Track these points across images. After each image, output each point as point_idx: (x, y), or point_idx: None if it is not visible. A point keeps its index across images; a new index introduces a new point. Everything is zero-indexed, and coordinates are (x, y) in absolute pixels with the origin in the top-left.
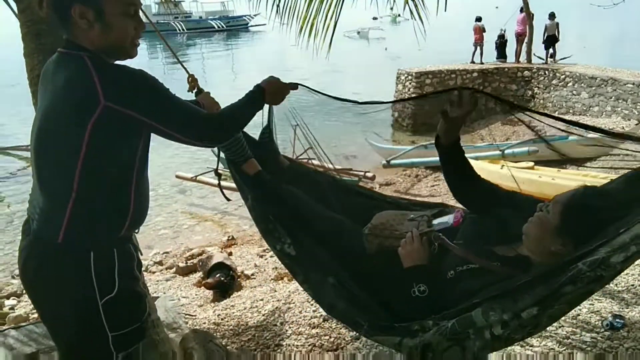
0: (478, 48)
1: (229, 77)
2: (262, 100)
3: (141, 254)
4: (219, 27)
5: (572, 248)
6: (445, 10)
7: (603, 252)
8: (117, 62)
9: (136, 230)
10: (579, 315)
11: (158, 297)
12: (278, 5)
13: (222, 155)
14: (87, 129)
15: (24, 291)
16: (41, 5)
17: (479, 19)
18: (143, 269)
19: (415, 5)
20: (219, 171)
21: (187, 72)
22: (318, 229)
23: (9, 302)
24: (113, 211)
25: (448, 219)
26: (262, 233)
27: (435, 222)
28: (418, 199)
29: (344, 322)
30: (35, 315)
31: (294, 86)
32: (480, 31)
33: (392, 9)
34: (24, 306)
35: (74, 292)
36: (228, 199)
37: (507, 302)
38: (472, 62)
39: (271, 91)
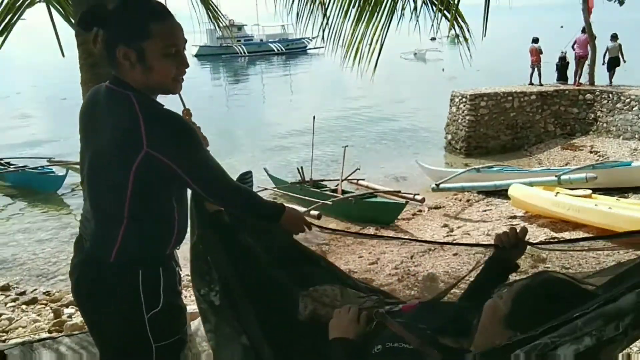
0: (535, 70)
1: (286, 97)
2: (276, 218)
3: (181, 270)
4: (278, 49)
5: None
6: (484, 36)
7: (547, 338)
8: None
9: (177, 247)
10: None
11: (194, 311)
12: (324, 30)
13: (272, 174)
14: (131, 170)
15: None
16: (95, 42)
17: (535, 40)
18: (190, 283)
19: (461, 29)
20: None
21: (184, 104)
22: (255, 285)
23: (67, 311)
24: (159, 234)
25: (399, 305)
26: (192, 273)
27: (386, 307)
28: (383, 289)
29: None
30: None
31: (309, 226)
32: (537, 52)
33: (432, 39)
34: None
35: (124, 307)
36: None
37: None
38: (531, 83)
39: (289, 220)
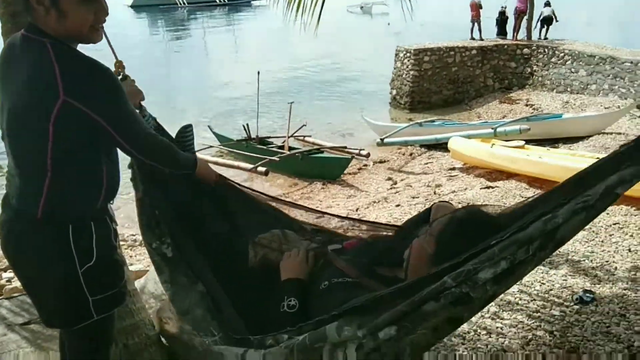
0: (476, 24)
1: (230, 51)
2: (192, 169)
3: (116, 224)
4: (220, 1)
5: None
6: None
7: (470, 264)
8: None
9: (111, 202)
10: (551, 290)
11: (147, 270)
12: None
13: (217, 132)
14: (50, 121)
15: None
16: None
17: None
18: (137, 243)
19: None
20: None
21: (116, 56)
22: (205, 235)
23: (5, 275)
24: (87, 187)
25: (341, 243)
26: (141, 227)
27: (330, 246)
28: (326, 226)
29: (195, 328)
30: None
31: (219, 181)
32: (476, 7)
33: None
34: None
35: (56, 263)
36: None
37: (365, 318)
38: (472, 38)
39: (202, 171)
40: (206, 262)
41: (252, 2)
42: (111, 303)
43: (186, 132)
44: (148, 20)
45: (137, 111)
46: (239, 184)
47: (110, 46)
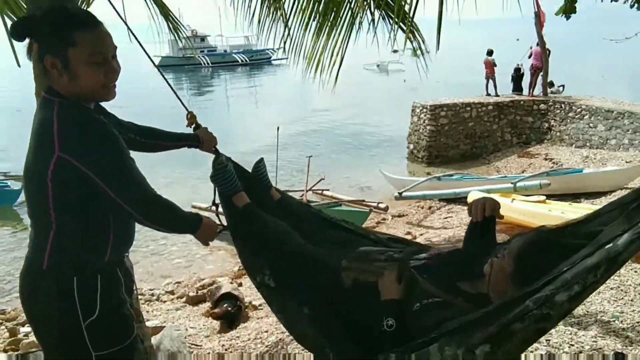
0: (490, 81)
1: (251, 107)
2: (192, 230)
3: (131, 279)
4: (242, 60)
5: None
6: (437, 49)
7: (547, 290)
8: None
9: (125, 254)
10: (581, 352)
11: (164, 326)
12: (285, 42)
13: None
14: (48, 176)
15: None
16: (30, 52)
17: (489, 53)
18: (154, 298)
19: (418, 41)
20: (216, 202)
21: (187, 109)
22: (298, 262)
23: (24, 329)
24: (92, 240)
25: (422, 256)
26: (243, 264)
27: (411, 260)
28: (399, 236)
29: (312, 350)
30: None
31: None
32: (490, 65)
33: (394, 51)
34: None
35: (59, 315)
36: (224, 227)
37: (462, 338)
38: (487, 94)
39: (203, 232)
40: (305, 285)
41: (273, 61)
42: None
43: (259, 166)
44: (173, 79)
45: (215, 155)
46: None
47: (179, 98)
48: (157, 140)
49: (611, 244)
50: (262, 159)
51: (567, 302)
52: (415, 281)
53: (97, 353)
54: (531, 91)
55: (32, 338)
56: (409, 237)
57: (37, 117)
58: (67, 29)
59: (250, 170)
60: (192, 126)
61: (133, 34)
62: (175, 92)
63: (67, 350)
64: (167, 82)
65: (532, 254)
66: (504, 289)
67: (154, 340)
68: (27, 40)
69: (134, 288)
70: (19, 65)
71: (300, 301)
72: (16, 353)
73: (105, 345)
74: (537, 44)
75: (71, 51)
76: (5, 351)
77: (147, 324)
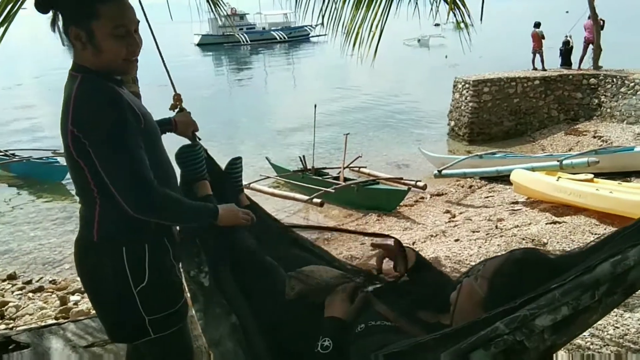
0: (537, 55)
1: (289, 85)
2: (212, 220)
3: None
4: (281, 38)
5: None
6: (481, 20)
7: (526, 310)
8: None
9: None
10: (626, 335)
11: None
12: (323, 16)
13: (274, 163)
14: (71, 150)
15: None
16: (53, 27)
17: (537, 25)
18: None
19: (462, 14)
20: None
21: (174, 89)
22: (243, 266)
23: (73, 298)
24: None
25: (382, 283)
26: (181, 254)
27: (371, 286)
28: (370, 267)
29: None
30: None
31: (249, 219)
32: (538, 38)
33: (436, 25)
34: (87, 302)
35: (112, 283)
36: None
37: None
38: (534, 69)
39: (225, 219)
40: (242, 295)
41: (311, 38)
42: (168, 323)
43: (235, 164)
44: (213, 58)
45: (191, 141)
46: (274, 218)
47: (170, 79)
48: None
49: (619, 256)
50: (239, 158)
51: (550, 329)
52: (366, 303)
53: (149, 317)
54: (579, 66)
55: (82, 307)
56: (447, 215)
57: (64, 93)
58: (91, 1)
59: (223, 168)
60: (176, 110)
61: (144, 13)
62: (167, 71)
63: (121, 315)
64: (163, 59)
65: (514, 275)
66: (471, 317)
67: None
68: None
69: None
70: (63, 44)
71: (230, 309)
72: (67, 321)
73: (157, 309)
74: (589, 17)
75: (95, 24)
76: (56, 318)
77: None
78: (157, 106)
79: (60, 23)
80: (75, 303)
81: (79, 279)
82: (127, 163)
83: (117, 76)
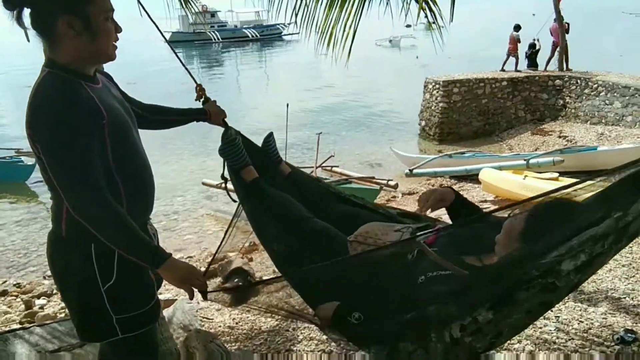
0: (511, 57)
1: (262, 83)
2: (154, 265)
3: (153, 242)
4: (253, 36)
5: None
6: (451, 21)
7: (552, 256)
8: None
9: (145, 221)
10: (590, 329)
11: (176, 299)
12: (297, 15)
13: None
14: (32, 148)
15: (54, 291)
16: (19, 20)
17: (516, 28)
18: None
19: (433, 14)
20: (225, 176)
21: (195, 81)
22: (305, 234)
23: (39, 302)
24: None
25: (429, 232)
26: (255, 232)
27: (419, 234)
28: (410, 210)
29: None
30: (63, 315)
31: (197, 290)
32: (515, 41)
33: (408, 25)
34: (53, 305)
35: (80, 280)
36: (234, 201)
37: (465, 303)
38: (503, 70)
39: (172, 273)
40: (312, 259)
41: (284, 36)
42: (137, 324)
43: (269, 140)
44: (184, 55)
45: (224, 128)
46: (319, 179)
47: (188, 71)
48: (163, 116)
49: (620, 212)
50: (271, 133)
51: (574, 272)
52: (420, 253)
53: (117, 316)
54: (546, 67)
55: (48, 310)
56: None
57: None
58: None
59: (260, 145)
60: (202, 100)
61: (144, 8)
62: (184, 66)
63: (89, 313)
64: (177, 55)
65: (546, 216)
66: (511, 249)
67: (166, 312)
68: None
69: None
70: (28, 41)
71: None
72: (33, 325)
73: (125, 309)
74: (554, 20)
75: (89, 8)
76: (21, 323)
77: (159, 297)
78: None
79: (29, 19)
80: (41, 307)
81: (44, 282)
82: (71, 164)
83: (103, 63)
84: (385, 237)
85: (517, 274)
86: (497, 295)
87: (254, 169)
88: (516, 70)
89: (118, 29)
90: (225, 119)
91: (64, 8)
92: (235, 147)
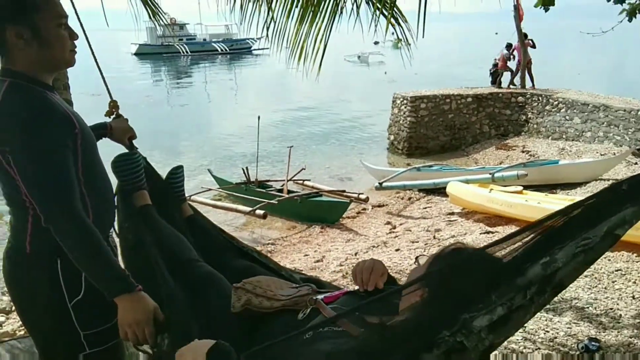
0: (504, 74)
1: (231, 96)
2: (115, 293)
3: (116, 257)
4: (222, 49)
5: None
6: (423, 37)
7: (466, 313)
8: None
9: (107, 234)
10: (555, 338)
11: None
12: (267, 28)
13: (216, 175)
14: (2, 159)
15: (13, 308)
16: None
17: (508, 47)
18: None
19: (402, 30)
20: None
21: (110, 96)
22: (187, 278)
23: None
24: None
25: (330, 291)
26: (124, 267)
27: (319, 295)
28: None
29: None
30: (22, 332)
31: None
32: (504, 59)
33: (376, 42)
34: (12, 323)
35: (45, 296)
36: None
37: None
38: (499, 86)
39: (131, 305)
40: (188, 305)
41: (253, 50)
42: (105, 338)
43: (177, 173)
44: (151, 68)
45: (128, 149)
46: (219, 229)
47: (106, 86)
48: None
49: (547, 258)
50: (180, 167)
51: (487, 329)
52: (314, 311)
53: (85, 332)
54: (509, 84)
55: (6, 328)
56: (388, 226)
57: None
58: None
59: (164, 177)
60: (112, 117)
61: (77, 15)
62: (103, 77)
63: (54, 331)
64: (98, 65)
65: (448, 259)
66: (411, 296)
67: None
68: None
69: None
70: None
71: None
72: None
73: (93, 324)
74: (517, 40)
75: (38, 17)
76: None
77: None
78: (90, 115)
79: None
80: (0, 324)
81: (3, 298)
82: (47, 174)
83: (61, 70)
84: (276, 290)
85: (424, 337)
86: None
87: (148, 195)
88: (513, 85)
89: (73, 36)
90: (133, 139)
91: (10, 18)
92: (132, 162)
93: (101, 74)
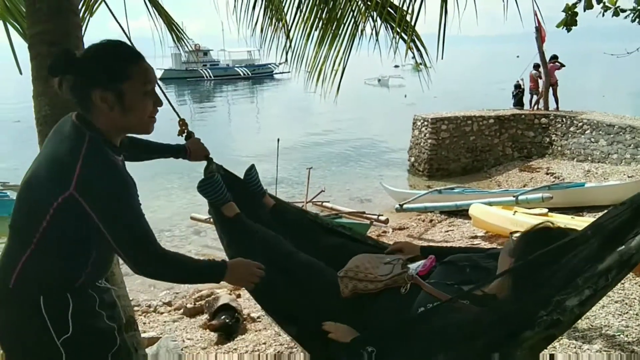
0: (534, 95)
1: (252, 119)
2: (220, 277)
3: (103, 290)
4: (244, 74)
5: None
6: (442, 58)
7: (558, 295)
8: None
9: (99, 282)
10: None
11: (160, 337)
12: (287, 52)
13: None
14: (52, 205)
15: None
16: (60, 86)
17: (536, 67)
18: (151, 309)
19: (421, 54)
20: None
21: (179, 116)
22: (290, 270)
23: None
24: (65, 269)
25: (421, 263)
26: None
27: (410, 265)
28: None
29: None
30: None
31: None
32: (534, 79)
33: (396, 66)
34: None
35: (31, 334)
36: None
37: (467, 346)
38: (534, 107)
39: (235, 275)
40: (302, 298)
41: (275, 75)
42: None
43: (251, 172)
44: (175, 92)
45: (206, 163)
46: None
47: (172, 107)
48: (140, 150)
49: (623, 247)
50: (253, 166)
51: (578, 306)
52: (415, 286)
53: None
54: (532, 105)
55: None
56: None
57: (63, 139)
58: (121, 63)
59: (242, 177)
60: (184, 135)
61: (130, 40)
62: (168, 100)
63: None
64: (161, 88)
65: (535, 237)
66: (502, 265)
67: (149, 350)
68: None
69: (118, 303)
70: (20, 73)
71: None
72: None
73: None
74: (534, 66)
75: (126, 84)
76: None
77: (143, 335)
78: None
79: (69, 84)
80: None
81: None
82: (133, 225)
83: (138, 134)
84: (375, 271)
85: (524, 315)
86: (503, 337)
87: (235, 205)
88: (539, 107)
89: (158, 103)
90: (208, 155)
91: (100, 82)
92: (213, 185)
93: (164, 94)
